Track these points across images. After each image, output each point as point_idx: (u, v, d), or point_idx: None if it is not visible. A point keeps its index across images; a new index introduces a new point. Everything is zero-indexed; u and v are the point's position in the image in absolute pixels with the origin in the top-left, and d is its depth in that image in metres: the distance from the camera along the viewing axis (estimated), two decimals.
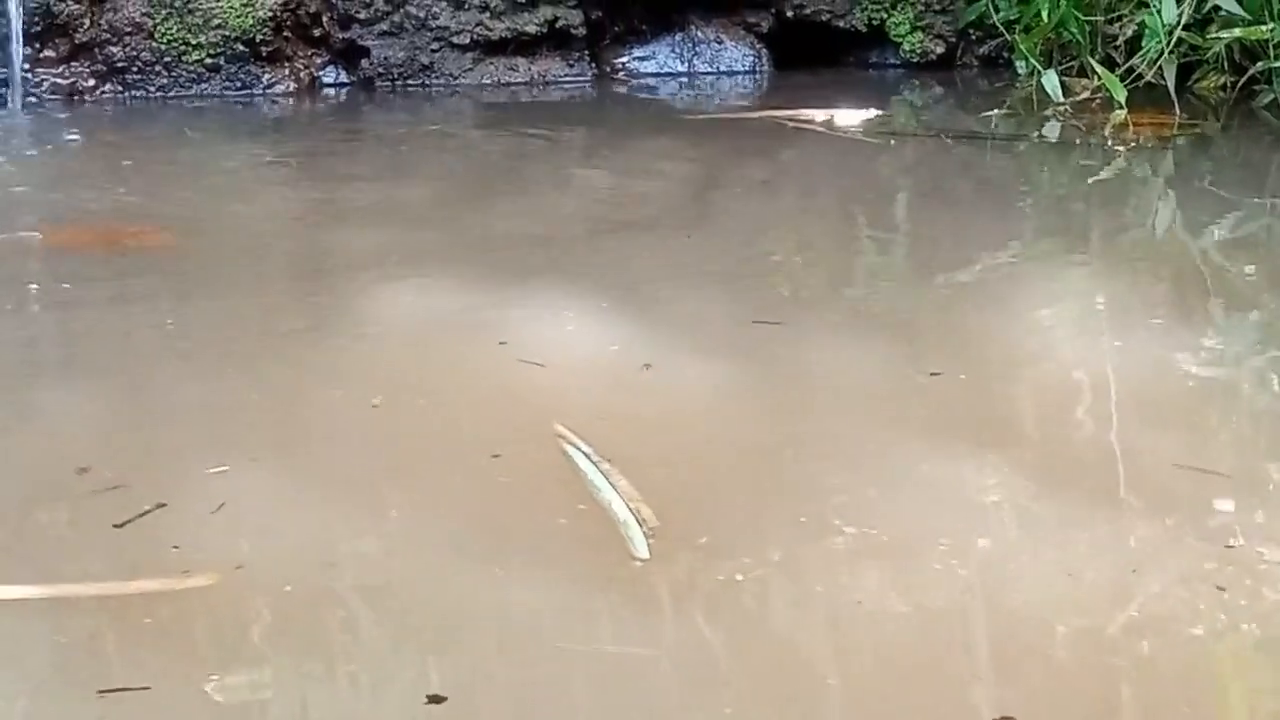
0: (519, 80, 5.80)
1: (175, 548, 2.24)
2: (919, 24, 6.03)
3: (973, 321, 3.32)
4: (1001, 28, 5.89)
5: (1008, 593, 2.14)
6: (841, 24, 6.01)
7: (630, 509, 2.37)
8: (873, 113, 5.28)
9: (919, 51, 6.07)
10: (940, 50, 6.09)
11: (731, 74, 5.99)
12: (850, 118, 5.17)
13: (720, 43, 6.02)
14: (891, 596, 2.13)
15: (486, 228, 4.03)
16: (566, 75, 5.86)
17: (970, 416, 2.77)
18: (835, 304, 3.48)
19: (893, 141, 5.02)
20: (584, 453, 2.54)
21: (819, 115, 5.17)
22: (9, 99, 5.33)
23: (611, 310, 3.32)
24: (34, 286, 3.55)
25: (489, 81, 5.76)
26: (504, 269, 3.64)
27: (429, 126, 5.29)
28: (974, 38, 6.12)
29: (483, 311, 3.32)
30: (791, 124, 5.13)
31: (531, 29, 5.73)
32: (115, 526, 2.30)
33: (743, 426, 2.75)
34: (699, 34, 6.01)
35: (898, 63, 6.16)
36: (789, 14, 5.98)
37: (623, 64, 5.96)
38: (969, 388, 2.89)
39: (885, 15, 6.03)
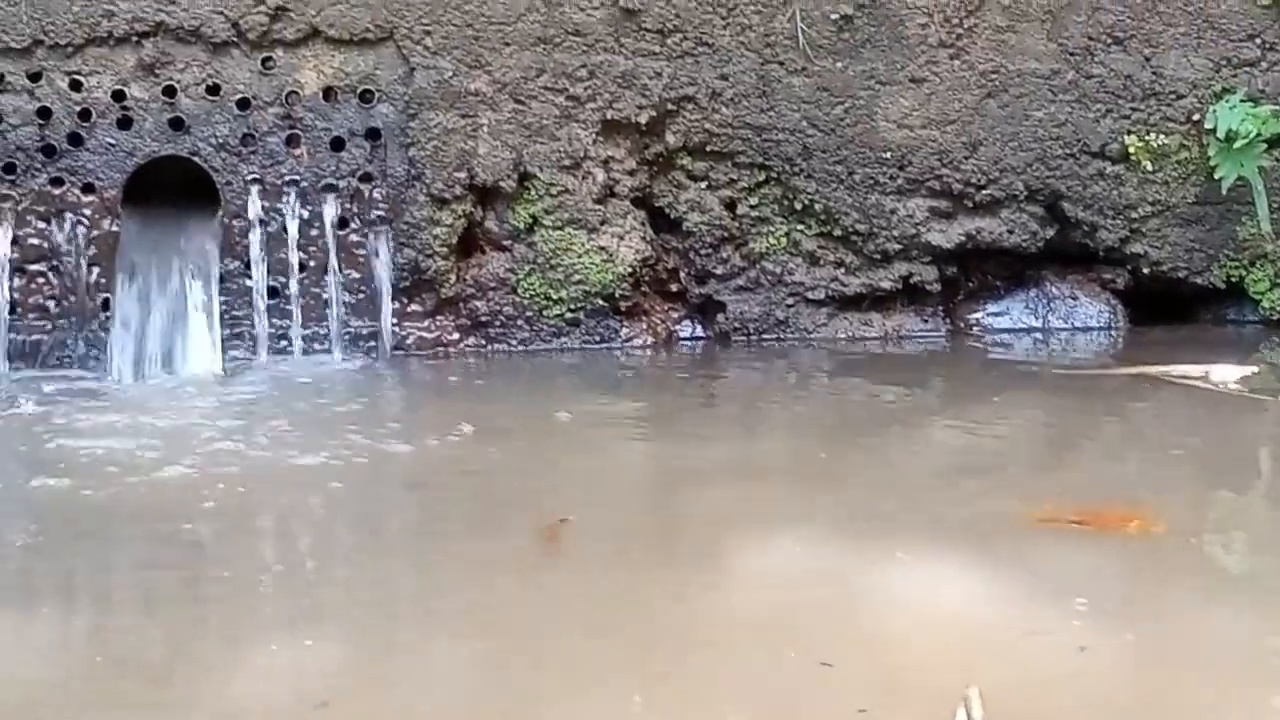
0: (872, 335, 5.83)
1: None
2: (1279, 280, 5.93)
3: None
4: None
5: None
6: (1198, 280, 5.94)
7: None
8: (1250, 370, 5.14)
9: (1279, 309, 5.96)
10: None
11: (1086, 330, 5.94)
12: (1225, 374, 5.06)
13: (1075, 299, 5.99)
14: None
15: (842, 482, 4.05)
16: (920, 330, 5.88)
17: None
18: (1210, 570, 3.42)
19: (1258, 399, 4.92)
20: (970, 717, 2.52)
21: (1191, 370, 5.08)
22: (379, 351, 5.52)
23: (980, 567, 3.30)
24: None
25: (843, 336, 5.80)
26: (862, 522, 3.66)
27: (783, 381, 5.34)
28: None
29: (851, 567, 3.33)
30: (1163, 380, 5.05)
31: (886, 284, 5.77)
32: None
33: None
34: (1053, 290, 5.99)
35: (1256, 319, 6.05)
36: (1145, 270, 5.93)
37: (976, 319, 5.96)
38: None
39: (1244, 272, 5.93)
